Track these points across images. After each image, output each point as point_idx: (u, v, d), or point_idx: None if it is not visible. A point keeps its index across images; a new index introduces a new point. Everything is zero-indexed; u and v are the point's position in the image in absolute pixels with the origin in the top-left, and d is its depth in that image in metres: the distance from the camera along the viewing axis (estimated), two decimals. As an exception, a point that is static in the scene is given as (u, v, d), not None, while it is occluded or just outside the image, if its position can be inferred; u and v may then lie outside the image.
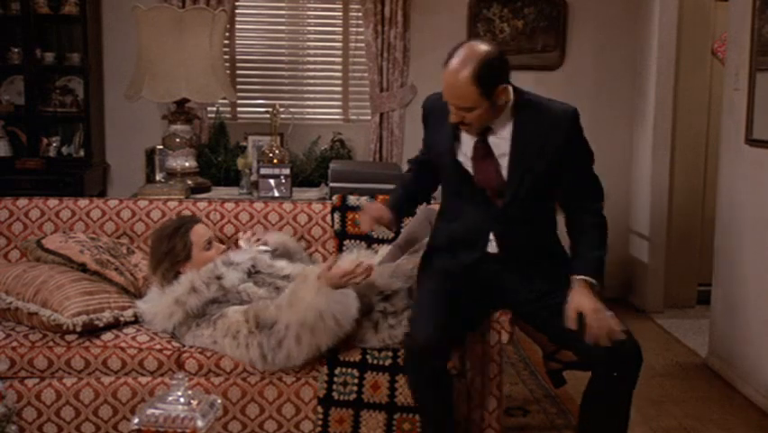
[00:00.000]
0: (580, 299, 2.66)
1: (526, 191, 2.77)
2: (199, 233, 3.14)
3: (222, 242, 3.38)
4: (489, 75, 2.63)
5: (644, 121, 5.61)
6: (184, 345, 3.00)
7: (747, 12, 4.06)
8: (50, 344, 2.99)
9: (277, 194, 4.39)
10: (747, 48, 4.06)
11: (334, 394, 2.95)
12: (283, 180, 4.41)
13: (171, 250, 3.10)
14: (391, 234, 3.41)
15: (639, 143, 5.68)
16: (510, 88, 2.75)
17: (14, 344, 2.99)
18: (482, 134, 2.77)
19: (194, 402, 2.09)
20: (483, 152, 2.79)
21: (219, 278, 3.03)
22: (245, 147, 5.01)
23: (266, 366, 2.91)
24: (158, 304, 3.03)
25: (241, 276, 3.07)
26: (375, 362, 2.95)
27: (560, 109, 2.77)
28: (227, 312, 2.95)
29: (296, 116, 5.39)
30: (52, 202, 3.57)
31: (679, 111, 5.50)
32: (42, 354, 2.97)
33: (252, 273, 3.12)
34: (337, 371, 2.95)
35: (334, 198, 3.64)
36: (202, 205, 3.60)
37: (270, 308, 2.90)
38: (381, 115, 5.61)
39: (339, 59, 5.77)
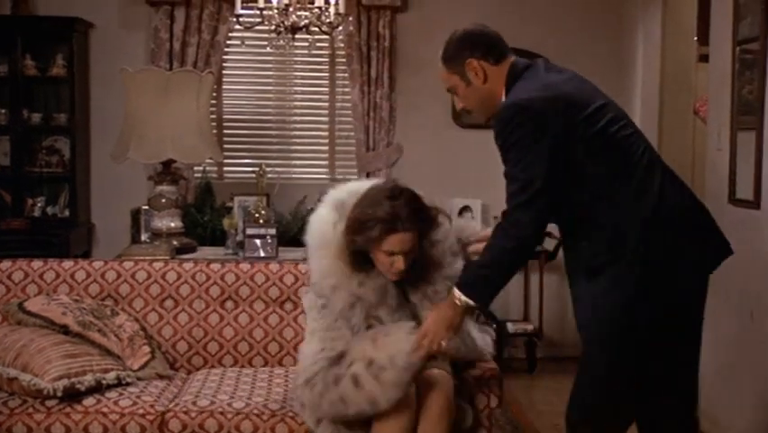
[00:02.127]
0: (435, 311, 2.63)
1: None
2: (398, 240, 2.67)
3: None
4: (450, 49, 2.68)
5: (628, 180, 5.65)
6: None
7: (727, 73, 4.12)
8: (30, 410, 2.93)
9: (263, 254, 4.36)
10: (728, 108, 4.12)
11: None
12: (269, 241, 4.40)
13: (367, 230, 2.67)
14: None
15: (624, 202, 5.71)
16: (497, 68, 2.64)
17: (-7, 411, 2.93)
18: None
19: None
20: None
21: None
22: (231, 207, 5.01)
23: (305, 393, 2.72)
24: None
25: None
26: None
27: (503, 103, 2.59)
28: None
29: (282, 176, 5.40)
30: (36, 264, 3.53)
31: (663, 170, 5.55)
32: (21, 422, 2.90)
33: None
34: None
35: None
36: (188, 266, 3.58)
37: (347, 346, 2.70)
38: (368, 174, 5.64)
39: (326, 119, 5.82)
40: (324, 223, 2.80)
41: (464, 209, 5.60)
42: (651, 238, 2.49)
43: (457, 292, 2.58)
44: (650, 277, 2.50)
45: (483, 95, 2.67)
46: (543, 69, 2.66)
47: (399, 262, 2.70)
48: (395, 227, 2.66)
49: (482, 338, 2.93)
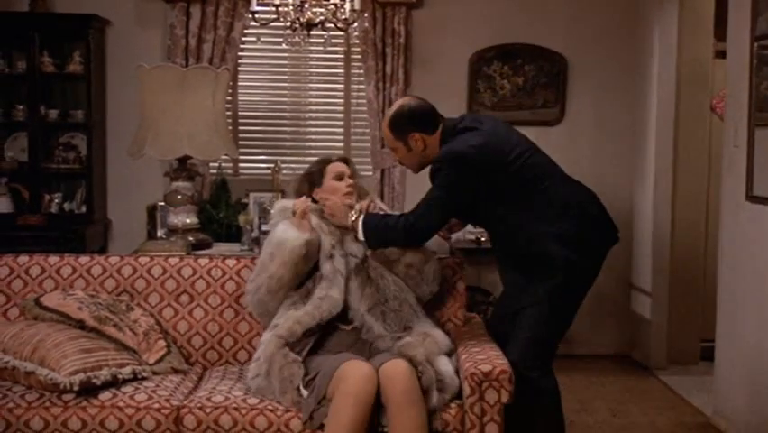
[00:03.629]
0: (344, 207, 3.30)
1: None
2: (335, 166, 3.38)
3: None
4: (399, 123, 3.28)
5: (644, 177, 5.63)
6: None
7: (745, 69, 4.09)
8: (47, 404, 2.95)
9: (278, 250, 4.37)
10: (746, 105, 4.09)
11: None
12: (284, 237, 4.40)
13: (310, 173, 3.41)
14: None
15: (640, 199, 5.69)
16: (433, 137, 3.26)
17: (10, 405, 2.95)
18: None
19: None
20: None
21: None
22: (246, 204, 5.02)
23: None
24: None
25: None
26: None
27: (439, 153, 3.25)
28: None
29: (297, 172, 5.40)
30: (53, 259, 3.56)
31: (679, 167, 5.52)
32: (39, 416, 2.93)
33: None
34: None
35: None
36: (203, 261, 3.59)
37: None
38: (382, 171, 5.64)
39: (340, 116, 5.83)
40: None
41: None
42: (565, 233, 3.18)
43: (359, 223, 3.23)
44: (573, 257, 3.18)
45: (421, 158, 3.33)
46: (473, 123, 3.30)
47: (347, 181, 3.33)
48: (331, 159, 3.41)
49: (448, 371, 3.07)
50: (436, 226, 3.29)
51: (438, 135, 3.28)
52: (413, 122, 3.26)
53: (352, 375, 2.84)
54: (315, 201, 3.33)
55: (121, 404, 2.96)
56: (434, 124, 3.29)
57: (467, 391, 2.92)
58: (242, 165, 5.79)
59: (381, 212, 3.45)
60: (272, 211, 3.48)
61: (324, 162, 3.40)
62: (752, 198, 4.04)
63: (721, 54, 5.11)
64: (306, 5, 4.61)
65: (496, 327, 3.42)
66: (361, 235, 3.23)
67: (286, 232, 3.20)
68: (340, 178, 3.34)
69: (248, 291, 3.32)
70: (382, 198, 5.63)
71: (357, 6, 4.70)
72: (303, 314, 3.11)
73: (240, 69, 5.73)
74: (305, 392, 2.96)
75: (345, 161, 3.43)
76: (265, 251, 3.26)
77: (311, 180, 3.38)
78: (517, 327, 3.22)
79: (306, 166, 3.54)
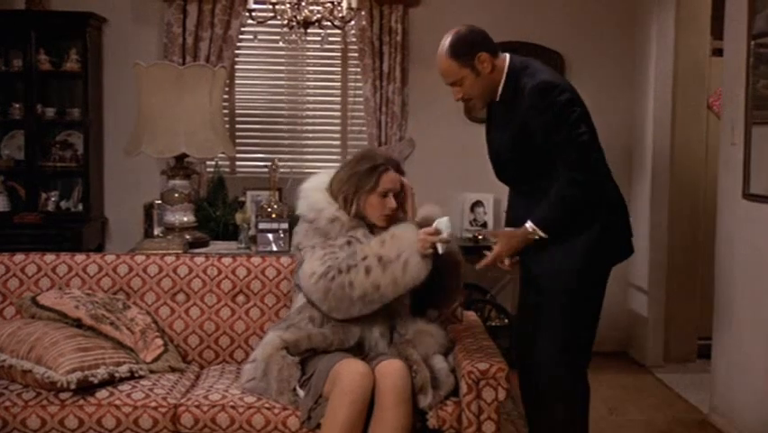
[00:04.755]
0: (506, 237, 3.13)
1: (512, 163, 3.17)
2: (389, 178, 3.13)
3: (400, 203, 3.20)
4: (461, 45, 3.04)
5: (641, 174, 5.63)
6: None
7: (741, 67, 4.10)
8: (44, 402, 2.95)
9: (275, 248, 4.38)
10: (742, 102, 4.09)
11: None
12: (281, 235, 4.41)
13: (362, 178, 3.11)
14: None
15: (637, 197, 5.69)
16: (498, 60, 3.08)
17: (7, 403, 2.95)
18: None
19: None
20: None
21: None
22: (244, 202, 5.02)
23: (318, 284, 2.98)
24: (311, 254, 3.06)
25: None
26: None
27: (527, 84, 3.02)
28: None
29: (294, 170, 5.41)
30: (49, 257, 3.55)
31: (676, 165, 5.53)
32: (36, 414, 2.93)
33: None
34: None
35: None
36: (199, 260, 3.59)
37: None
38: (380, 169, 5.64)
39: (338, 114, 5.82)
40: (318, 180, 3.23)
41: (476, 204, 5.59)
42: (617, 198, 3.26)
43: (530, 226, 3.04)
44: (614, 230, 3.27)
45: (488, 83, 3.10)
46: (541, 63, 3.16)
47: (391, 201, 3.12)
48: (388, 167, 3.13)
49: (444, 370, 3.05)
50: (602, 159, 3.08)
51: (504, 61, 3.09)
52: (477, 42, 3.05)
53: (348, 374, 2.84)
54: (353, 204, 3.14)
55: (118, 402, 2.96)
56: (494, 45, 3.10)
57: (464, 389, 2.93)
58: (239, 163, 5.78)
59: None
60: (302, 201, 3.17)
61: (380, 171, 3.12)
62: (748, 195, 4.04)
63: (718, 52, 5.12)
64: (303, 3, 4.61)
65: (524, 311, 3.33)
66: (543, 234, 3.05)
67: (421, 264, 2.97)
68: (386, 195, 3.11)
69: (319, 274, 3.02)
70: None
71: (354, 4, 4.70)
72: (318, 333, 3.04)
73: (237, 67, 5.73)
74: (301, 392, 2.96)
75: (398, 168, 3.18)
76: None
77: (359, 188, 3.11)
78: (545, 322, 3.12)
79: (304, 165, 3.32)
